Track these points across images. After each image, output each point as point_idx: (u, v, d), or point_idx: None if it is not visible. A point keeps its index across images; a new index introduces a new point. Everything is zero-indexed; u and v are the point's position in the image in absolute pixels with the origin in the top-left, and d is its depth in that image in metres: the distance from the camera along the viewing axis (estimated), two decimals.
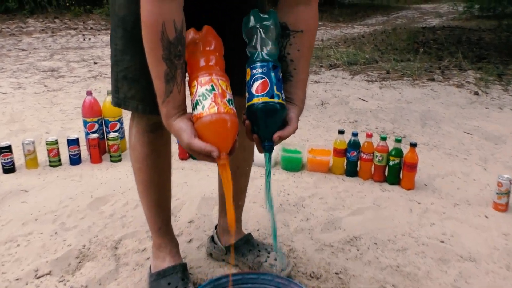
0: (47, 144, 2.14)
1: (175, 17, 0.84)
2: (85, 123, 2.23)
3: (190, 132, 0.86)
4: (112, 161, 2.22)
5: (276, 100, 0.89)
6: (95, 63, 4.81)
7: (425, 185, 1.99)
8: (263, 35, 0.92)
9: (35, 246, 1.48)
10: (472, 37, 6.72)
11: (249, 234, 1.41)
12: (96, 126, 2.23)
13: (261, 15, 0.93)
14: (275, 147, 2.30)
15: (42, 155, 2.21)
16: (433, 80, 3.99)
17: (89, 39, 6.47)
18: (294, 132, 0.93)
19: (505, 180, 1.72)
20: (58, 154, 2.16)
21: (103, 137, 2.28)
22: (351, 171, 2.05)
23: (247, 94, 0.91)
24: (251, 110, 0.90)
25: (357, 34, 7.47)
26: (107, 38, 6.63)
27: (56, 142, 2.14)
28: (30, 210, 1.73)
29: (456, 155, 2.34)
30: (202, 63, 0.90)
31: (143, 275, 1.34)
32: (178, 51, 0.87)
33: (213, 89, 0.87)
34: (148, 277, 1.27)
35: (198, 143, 0.84)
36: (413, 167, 1.89)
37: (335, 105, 3.26)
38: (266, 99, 0.88)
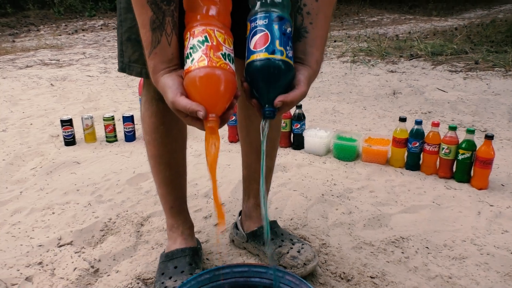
0: (104, 120, 2.19)
1: None
2: (141, 100, 2.24)
3: (176, 89, 0.74)
4: None
5: (278, 56, 0.74)
6: None
7: (503, 185, 1.67)
8: None
9: (67, 216, 1.49)
10: None
11: (274, 222, 1.26)
12: None
13: None
14: (327, 133, 2.07)
15: (103, 131, 2.27)
16: None
17: None
18: (301, 97, 0.76)
19: None
20: (114, 130, 2.20)
21: None
22: (412, 164, 1.80)
23: (246, 53, 0.78)
24: (248, 69, 0.76)
25: (449, 27, 6.77)
26: None
27: (112, 118, 2.18)
28: (76, 181, 1.77)
29: None
30: (200, 12, 0.78)
31: (159, 255, 1.27)
32: None
33: (206, 40, 0.74)
34: (159, 258, 1.19)
35: (182, 101, 0.72)
36: (487, 163, 1.59)
37: (408, 95, 2.94)
38: (266, 55, 0.73)
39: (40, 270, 1.21)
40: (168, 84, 0.75)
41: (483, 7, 11.04)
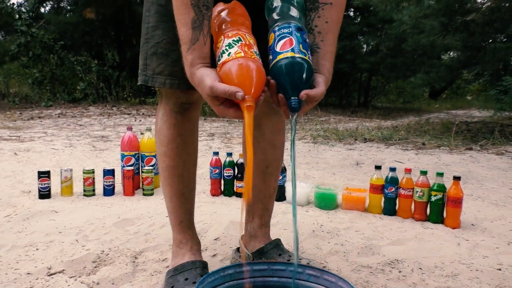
0: (84, 172, 2.16)
1: None
2: (123, 156, 2.26)
3: (214, 76, 0.82)
4: (144, 194, 2.20)
5: (301, 55, 0.85)
6: (141, 133, 5.03)
7: (473, 225, 1.81)
8: (286, 5, 0.92)
9: (54, 251, 1.42)
10: (506, 129, 6.52)
11: (278, 239, 1.29)
12: (133, 160, 2.25)
13: None
14: (307, 184, 2.18)
15: (79, 188, 2.23)
16: (471, 149, 3.87)
17: (140, 120, 6.76)
18: (321, 95, 0.86)
19: None
20: (93, 183, 2.17)
21: (138, 172, 2.29)
22: (389, 209, 1.92)
23: (270, 57, 0.88)
24: (275, 68, 0.85)
25: (391, 124, 7.51)
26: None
27: (92, 172, 2.16)
28: (56, 225, 1.70)
29: (504, 205, 2.16)
30: (230, 22, 0.91)
31: (161, 280, 1.23)
32: (206, 0, 0.88)
33: (240, 40, 0.86)
34: (165, 276, 1.16)
35: (221, 85, 0.80)
36: (458, 202, 1.75)
37: (371, 164, 3.18)
38: (292, 54, 0.84)
39: None
40: (206, 73, 0.83)
41: (414, 115, 12.43)
